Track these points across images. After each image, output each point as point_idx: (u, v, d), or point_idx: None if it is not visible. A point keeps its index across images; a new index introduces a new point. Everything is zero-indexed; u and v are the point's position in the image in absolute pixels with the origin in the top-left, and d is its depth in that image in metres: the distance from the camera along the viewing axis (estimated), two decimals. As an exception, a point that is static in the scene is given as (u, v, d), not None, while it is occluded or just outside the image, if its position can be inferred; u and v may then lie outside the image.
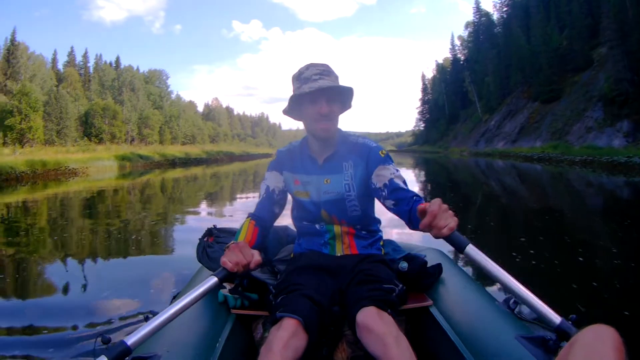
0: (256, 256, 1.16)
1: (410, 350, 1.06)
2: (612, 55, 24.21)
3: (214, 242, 1.64)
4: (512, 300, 1.28)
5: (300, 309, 1.15)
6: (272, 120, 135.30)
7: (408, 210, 1.25)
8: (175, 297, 1.58)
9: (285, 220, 1.62)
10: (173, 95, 62.57)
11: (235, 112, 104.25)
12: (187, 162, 34.80)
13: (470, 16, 65.48)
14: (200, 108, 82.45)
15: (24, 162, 19.14)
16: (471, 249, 1.07)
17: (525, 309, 1.23)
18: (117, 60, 52.71)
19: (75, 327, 2.35)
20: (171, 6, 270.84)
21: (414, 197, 1.27)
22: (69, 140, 35.80)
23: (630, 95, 22.01)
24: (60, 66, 47.53)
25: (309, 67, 1.38)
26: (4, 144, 28.48)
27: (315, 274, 1.33)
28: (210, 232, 1.71)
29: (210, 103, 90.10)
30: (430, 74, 75.92)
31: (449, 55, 64.49)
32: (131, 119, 45.90)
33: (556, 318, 0.99)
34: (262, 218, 1.41)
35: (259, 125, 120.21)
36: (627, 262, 3.55)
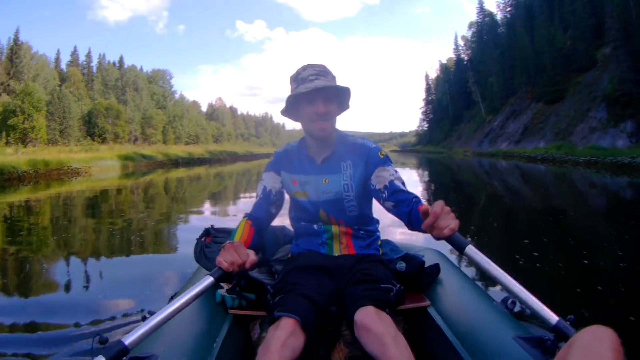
0: (252, 256, 1.16)
1: (409, 350, 1.06)
2: (615, 55, 24.09)
3: (211, 242, 1.65)
4: (510, 301, 1.28)
5: (298, 308, 1.15)
6: (275, 120, 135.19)
7: (408, 211, 1.26)
8: (172, 297, 1.58)
9: (283, 220, 1.61)
10: (177, 95, 62.93)
11: (239, 112, 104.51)
12: (190, 162, 34.88)
13: (473, 16, 65.51)
14: (204, 108, 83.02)
15: (27, 162, 19.19)
16: (471, 250, 1.08)
17: (523, 309, 1.23)
18: (121, 60, 53.06)
19: (75, 325, 2.35)
20: (174, 6, 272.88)
21: (414, 199, 1.28)
22: (72, 140, 35.94)
23: (634, 95, 21.87)
24: (63, 66, 47.85)
25: (305, 67, 1.39)
26: (7, 143, 28.62)
27: (313, 273, 1.33)
28: (208, 232, 1.71)
29: (214, 103, 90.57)
30: (433, 74, 75.67)
31: (452, 55, 64.18)
32: (134, 119, 46.04)
33: (554, 318, 0.98)
34: (259, 218, 1.42)
35: (262, 125, 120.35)
36: (632, 265, 3.49)
